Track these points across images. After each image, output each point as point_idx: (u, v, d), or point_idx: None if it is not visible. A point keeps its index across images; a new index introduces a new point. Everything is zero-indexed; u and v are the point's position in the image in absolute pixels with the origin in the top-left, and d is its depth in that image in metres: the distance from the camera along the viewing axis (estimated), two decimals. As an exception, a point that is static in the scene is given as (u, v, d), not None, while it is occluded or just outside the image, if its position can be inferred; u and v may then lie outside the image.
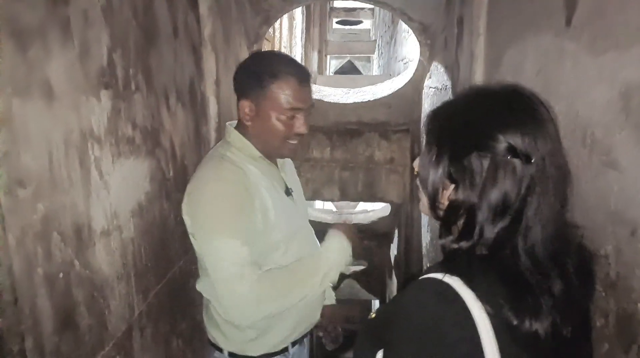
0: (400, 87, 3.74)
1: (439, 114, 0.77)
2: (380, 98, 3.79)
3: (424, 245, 3.36)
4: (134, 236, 1.24)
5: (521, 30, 1.48)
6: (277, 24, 4.71)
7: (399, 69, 6.43)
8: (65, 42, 0.96)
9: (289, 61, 1.23)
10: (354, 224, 1.46)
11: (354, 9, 13.49)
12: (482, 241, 0.67)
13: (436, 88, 2.95)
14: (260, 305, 1.13)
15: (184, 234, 1.64)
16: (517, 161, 0.65)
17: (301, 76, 1.20)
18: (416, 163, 0.81)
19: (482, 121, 0.69)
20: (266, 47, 3.63)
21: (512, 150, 0.65)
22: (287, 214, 1.28)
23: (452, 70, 2.48)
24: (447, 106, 0.79)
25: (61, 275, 0.91)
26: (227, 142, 1.26)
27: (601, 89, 1.00)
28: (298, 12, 7.33)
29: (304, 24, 8.21)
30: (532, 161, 0.65)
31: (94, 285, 1.04)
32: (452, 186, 0.71)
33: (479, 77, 1.89)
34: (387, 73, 8.20)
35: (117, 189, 1.15)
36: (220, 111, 2.09)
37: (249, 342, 1.30)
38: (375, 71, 12.52)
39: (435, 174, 0.72)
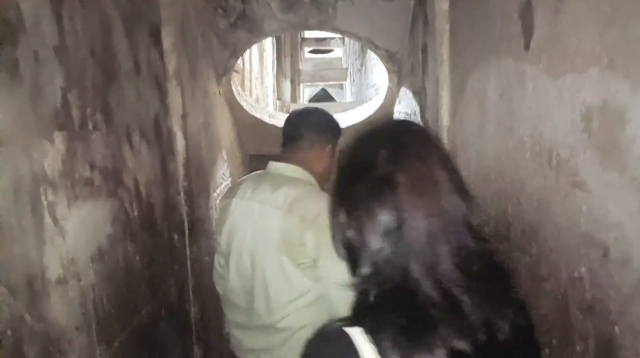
0: (371, 114, 3.77)
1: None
2: (352, 125, 3.81)
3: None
4: (94, 283, 1.17)
5: (483, 56, 1.50)
6: (246, 56, 4.72)
7: (371, 95, 6.51)
8: (13, 84, 0.91)
9: None
10: None
11: (324, 39, 13.73)
12: (380, 273, 0.65)
13: (405, 113, 2.97)
14: None
15: (152, 276, 1.58)
16: (382, 181, 0.67)
17: None
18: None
19: (358, 158, 0.73)
20: (235, 78, 3.63)
21: (374, 170, 0.68)
22: None
23: (419, 95, 2.51)
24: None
25: (9, 332, 0.84)
26: (298, 179, 1.53)
27: (563, 110, 1.01)
28: (268, 43, 7.39)
29: (275, 55, 8.29)
30: (393, 176, 0.66)
31: (49, 339, 0.97)
32: None
33: (445, 101, 1.91)
34: (360, 99, 8.29)
35: (74, 235, 1.09)
36: (187, 146, 2.05)
37: None
38: (348, 97, 12.68)
39: (338, 223, 0.72)
